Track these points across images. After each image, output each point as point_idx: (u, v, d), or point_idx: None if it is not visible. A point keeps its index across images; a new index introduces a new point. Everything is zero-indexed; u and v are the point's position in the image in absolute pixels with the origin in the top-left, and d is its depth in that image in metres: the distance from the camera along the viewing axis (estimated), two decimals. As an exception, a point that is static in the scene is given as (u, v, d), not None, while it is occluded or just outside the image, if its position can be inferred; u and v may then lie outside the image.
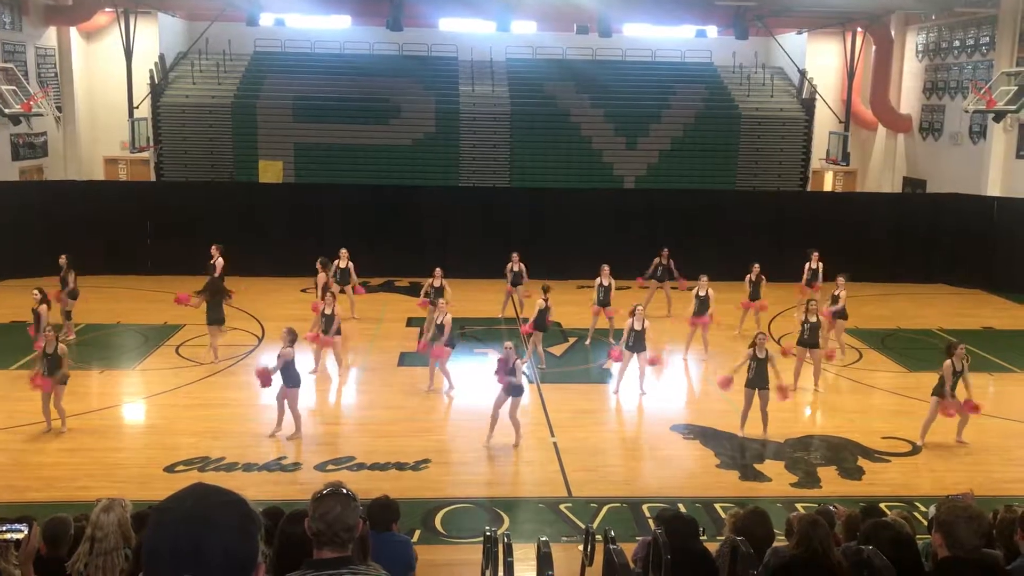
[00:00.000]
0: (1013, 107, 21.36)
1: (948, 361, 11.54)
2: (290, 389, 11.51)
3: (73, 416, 11.75)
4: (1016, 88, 21.52)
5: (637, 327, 13.37)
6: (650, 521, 8.76)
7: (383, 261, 20.01)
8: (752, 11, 24.26)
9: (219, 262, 17.01)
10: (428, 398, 13.70)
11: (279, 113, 26.19)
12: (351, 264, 17.13)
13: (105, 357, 15.23)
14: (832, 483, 10.67)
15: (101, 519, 4.97)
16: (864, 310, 17.84)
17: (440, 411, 13.24)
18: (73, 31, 25.52)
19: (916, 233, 21.93)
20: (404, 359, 15.14)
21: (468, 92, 27.30)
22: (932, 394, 11.67)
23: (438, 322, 13.46)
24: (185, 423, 12.02)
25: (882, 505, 7.83)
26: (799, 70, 27.85)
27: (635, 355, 13.53)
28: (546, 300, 14.67)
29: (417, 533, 8.99)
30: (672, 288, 17.68)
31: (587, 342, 16.21)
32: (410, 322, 17.21)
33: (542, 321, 14.63)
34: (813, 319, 13.64)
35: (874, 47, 26.87)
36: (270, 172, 25.44)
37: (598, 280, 16.06)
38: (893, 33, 26.74)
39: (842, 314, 15.18)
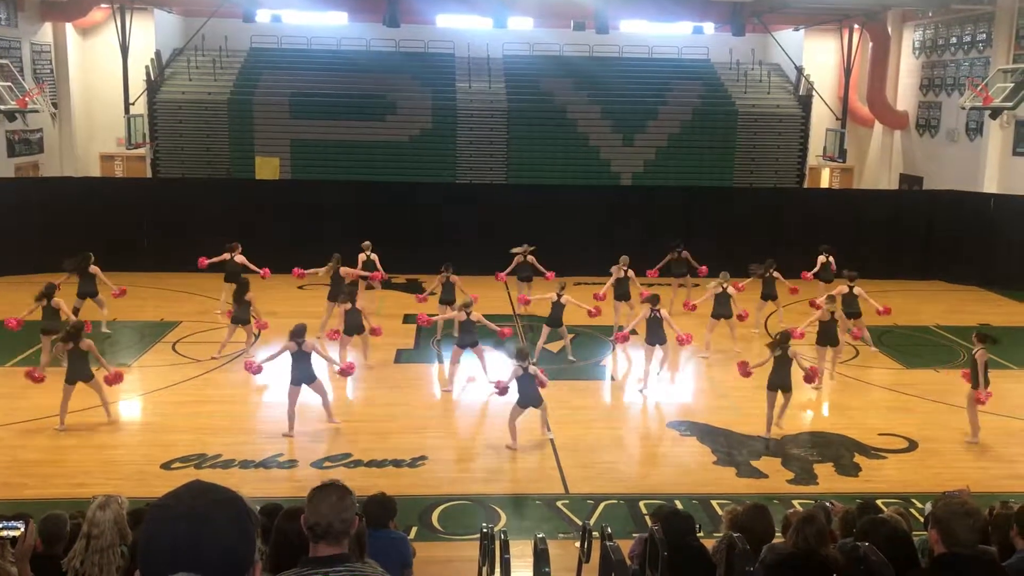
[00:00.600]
0: (1009, 104, 21.38)
1: (980, 351, 11.65)
2: (292, 386, 11.54)
3: (69, 413, 11.73)
4: (1012, 85, 21.52)
5: (656, 317, 13.38)
6: (647, 518, 8.77)
7: (379, 258, 19.96)
8: (749, 8, 24.25)
9: (239, 258, 17.04)
10: (425, 395, 13.72)
11: (276, 109, 26.15)
12: (375, 256, 17.33)
13: (101, 353, 15.16)
14: (829, 480, 10.69)
15: (97, 516, 4.97)
16: (861, 307, 17.82)
17: (437, 408, 13.25)
18: (69, 27, 25.44)
19: (913, 230, 21.93)
20: (401, 356, 15.14)
21: (465, 89, 27.28)
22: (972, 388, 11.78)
23: (462, 319, 13.45)
24: (181, 420, 12.01)
25: (879, 501, 7.83)
26: (796, 67, 27.86)
27: (656, 347, 13.54)
28: (560, 295, 14.65)
29: (414, 530, 8.99)
30: (694, 285, 17.74)
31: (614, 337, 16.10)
32: (406, 319, 17.21)
33: (557, 316, 14.62)
34: (827, 317, 13.72)
35: (871, 44, 26.88)
36: (267, 169, 25.40)
37: (618, 272, 15.96)
38: (890, 30, 26.76)
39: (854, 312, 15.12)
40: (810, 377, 12.33)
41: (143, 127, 25.49)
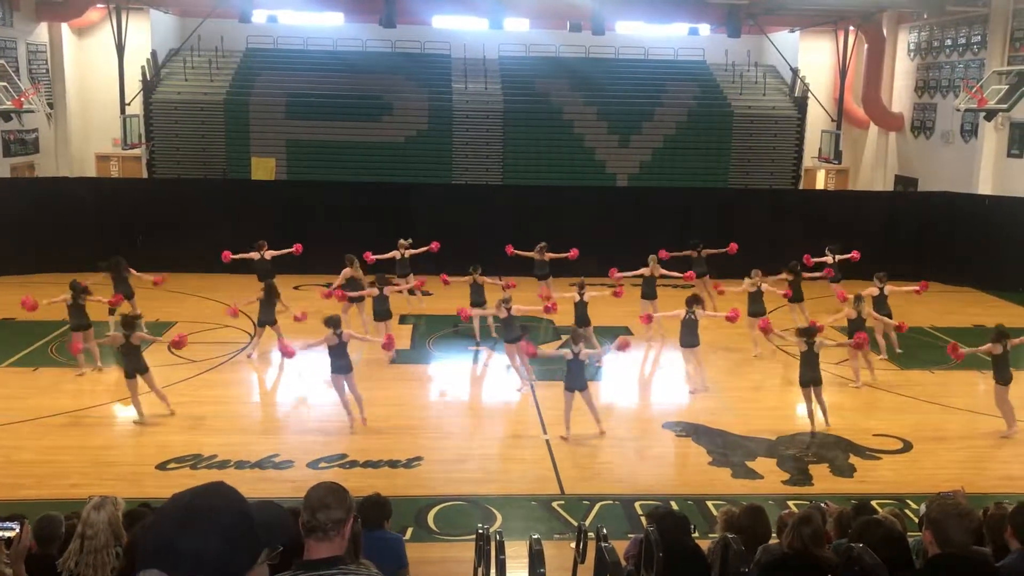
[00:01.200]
0: (1004, 106, 21.43)
1: (998, 347, 11.84)
2: (335, 375, 11.77)
3: (65, 413, 11.72)
4: (1007, 87, 21.59)
5: (692, 319, 13.35)
6: (642, 518, 8.77)
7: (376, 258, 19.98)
8: (745, 9, 24.31)
9: (268, 253, 17.03)
10: (420, 396, 13.73)
11: (272, 110, 26.14)
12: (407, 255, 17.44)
13: (102, 355, 15.14)
14: (824, 480, 10.70)
15: (92, 517, 4.96)
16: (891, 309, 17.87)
17: (433, 408, 13.25)
18: (65, 27, 25.42)
19: (908, 231, 21.97)
20: (397, 356, 15.13)
21: (461, 89, 27.29)
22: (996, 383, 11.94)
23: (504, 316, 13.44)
24: (177, 420, 12.00)
25: (873, 502, 7.85)
26: (791, 68, 27.91)
27: (689, 349, 13.54)
28: (581, 294, 14.57)
29: (409, 531, 8.99)
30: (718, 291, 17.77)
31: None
32: (403, 319, 17.21)
33: (583, 315, 14.56)
34: (854, 316, 13.83)
35: (866, 46, 26.95)
36: (262, 169, 25.39)
37: (647, 271, 15.92)
38: (885, 32, 26.83)
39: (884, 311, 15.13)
40: (859, 344, 12.65)
41: (139, 127, 25.45)
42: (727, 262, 18.05)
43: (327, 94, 26.38)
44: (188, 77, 26.92)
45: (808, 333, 12.10)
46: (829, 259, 18.09)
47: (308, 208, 20.97)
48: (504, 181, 25.80)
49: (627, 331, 16.42)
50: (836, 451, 11.54)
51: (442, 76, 27.82)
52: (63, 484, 9.93)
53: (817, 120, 27.66)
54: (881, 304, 15.13)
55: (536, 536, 5.94)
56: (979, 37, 23.51)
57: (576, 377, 11.58)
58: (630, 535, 7.65)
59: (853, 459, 11.30)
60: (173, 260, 19.21)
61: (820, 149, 27.42)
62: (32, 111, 23.24)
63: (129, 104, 25.15)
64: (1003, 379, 11.88)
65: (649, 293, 15.96)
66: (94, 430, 11.74)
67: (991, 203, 21.61)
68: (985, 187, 22.52)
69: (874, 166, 28.08)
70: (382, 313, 14.79)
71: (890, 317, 14.97)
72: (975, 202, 21.84)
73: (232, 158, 25.83)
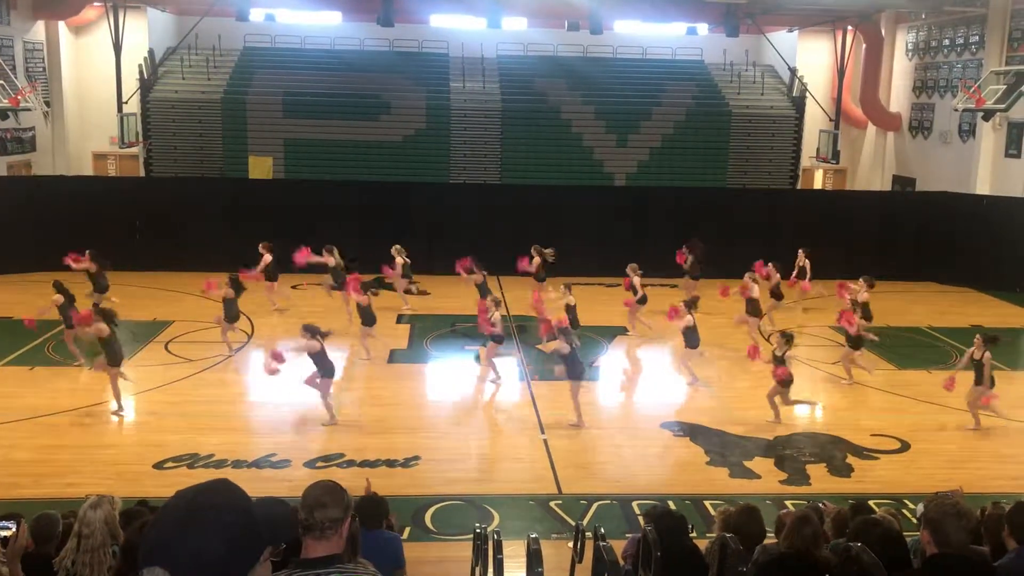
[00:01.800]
0: (1002, 106, 21.45)
1: (987, 353, 12.02)
2: (324, 379, 11.83)
3: (62, 412, 11.70)
4: (1005, 87, 21.61)
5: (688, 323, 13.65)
6: (640, 518, 8.77)
7: (373, 258, 19.94)
8: (743, 9, 24.30)
9: (266, 258, 16.97)
10: (418, 395, 13.71)
11: (269, 109, 26.10)
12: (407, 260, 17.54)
13: (94, 353, 15.13)
14: (821, 480, 10.70)
15: (88, 516, 4.95)
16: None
17: (430, 408, 13.23)
18: (61, 25, 25.37)
19: (905, 231, 21.99)
20: (394, 356, 15.13)
21: (459, 89, 27.27)
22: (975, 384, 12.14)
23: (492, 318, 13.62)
24: (174, 419, 11.97)
25: (871, 502, 7.86)
26: (789, 68, 27.92)
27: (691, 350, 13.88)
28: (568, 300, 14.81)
29: (407, 530, 8.97)
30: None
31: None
32: (400, 319, 17.20)
33: (575, 317, 14.70)
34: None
35: (864, 46, 26.96)
36: (260, 168, 25.36)
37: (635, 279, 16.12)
38: (883, 32, 26.84)
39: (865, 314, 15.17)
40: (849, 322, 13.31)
41: (136, 126, 25.43)
42: (727, 263, 18.05)
43: (325, 93, 26.35)
44: (185, 75, 26.89)
45: (788, 339, 12.48)
46: (800, 261, 18.08)
47: (305, 207, 20.93)
48: (502, 180, 25.79)
49: (623, 331, 16.47)
50: (834, 451, 11.54)
51: (440, 75, 27.80)
52: (60, 483, 9.90)
53: (815, 120, 27.67)
54: (866, 309, 15.17)
55: (534, 535, 5.94)
56: (977, 37, 23.53)
57: (575, 367, 12.03)
58: (628, 535, 7.65)
59: (851, 459, 11.30)
60: (170, 258, 19.19)
61: (818, 149, 27.43)
62: (29, 109, 23.20)
63: (126, 102, 25.11)
64: (983, 381, 12.15)
65: (754, 311, 15.80)
66: (91, 429, 11.71)
67: (989, 203, 21.63)
68: (983, 187, 22.54)
69: (872, 166, 28.09)
70: (370, 319, 14.76)
71: (870, 320, 15.08)
72: (973, 202, 21.86)
73: (229, 157, 25.79)
